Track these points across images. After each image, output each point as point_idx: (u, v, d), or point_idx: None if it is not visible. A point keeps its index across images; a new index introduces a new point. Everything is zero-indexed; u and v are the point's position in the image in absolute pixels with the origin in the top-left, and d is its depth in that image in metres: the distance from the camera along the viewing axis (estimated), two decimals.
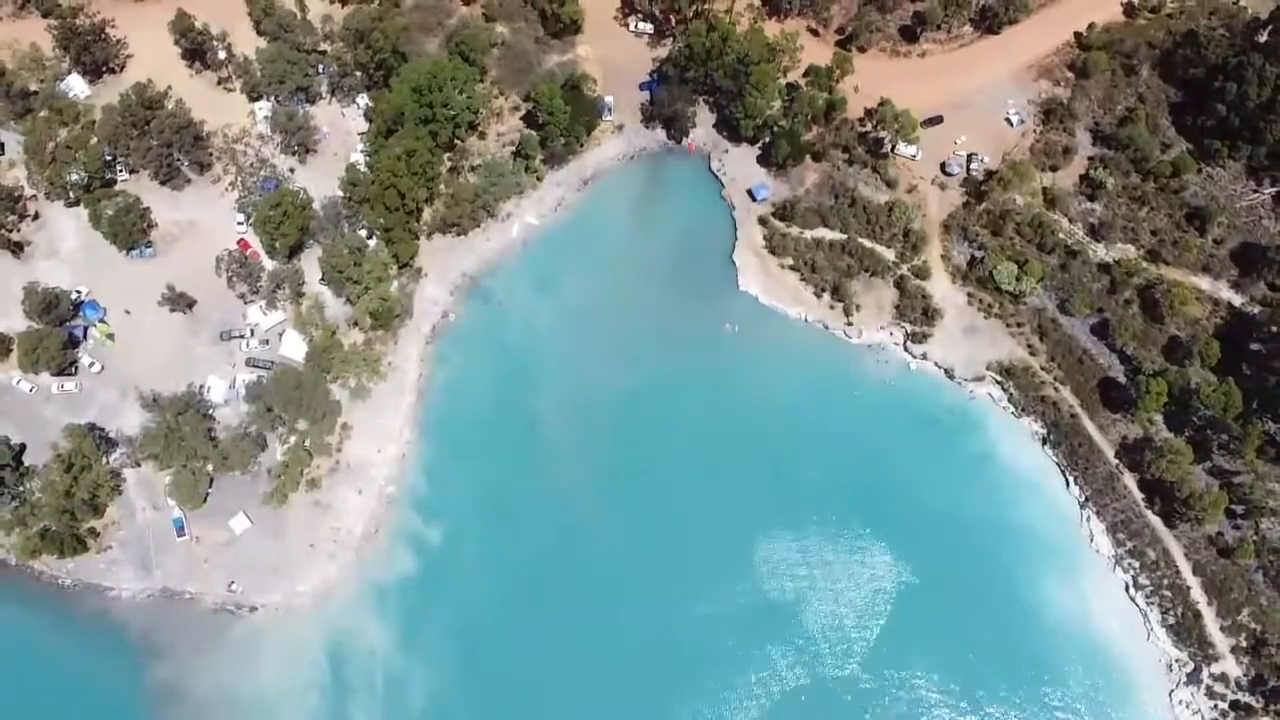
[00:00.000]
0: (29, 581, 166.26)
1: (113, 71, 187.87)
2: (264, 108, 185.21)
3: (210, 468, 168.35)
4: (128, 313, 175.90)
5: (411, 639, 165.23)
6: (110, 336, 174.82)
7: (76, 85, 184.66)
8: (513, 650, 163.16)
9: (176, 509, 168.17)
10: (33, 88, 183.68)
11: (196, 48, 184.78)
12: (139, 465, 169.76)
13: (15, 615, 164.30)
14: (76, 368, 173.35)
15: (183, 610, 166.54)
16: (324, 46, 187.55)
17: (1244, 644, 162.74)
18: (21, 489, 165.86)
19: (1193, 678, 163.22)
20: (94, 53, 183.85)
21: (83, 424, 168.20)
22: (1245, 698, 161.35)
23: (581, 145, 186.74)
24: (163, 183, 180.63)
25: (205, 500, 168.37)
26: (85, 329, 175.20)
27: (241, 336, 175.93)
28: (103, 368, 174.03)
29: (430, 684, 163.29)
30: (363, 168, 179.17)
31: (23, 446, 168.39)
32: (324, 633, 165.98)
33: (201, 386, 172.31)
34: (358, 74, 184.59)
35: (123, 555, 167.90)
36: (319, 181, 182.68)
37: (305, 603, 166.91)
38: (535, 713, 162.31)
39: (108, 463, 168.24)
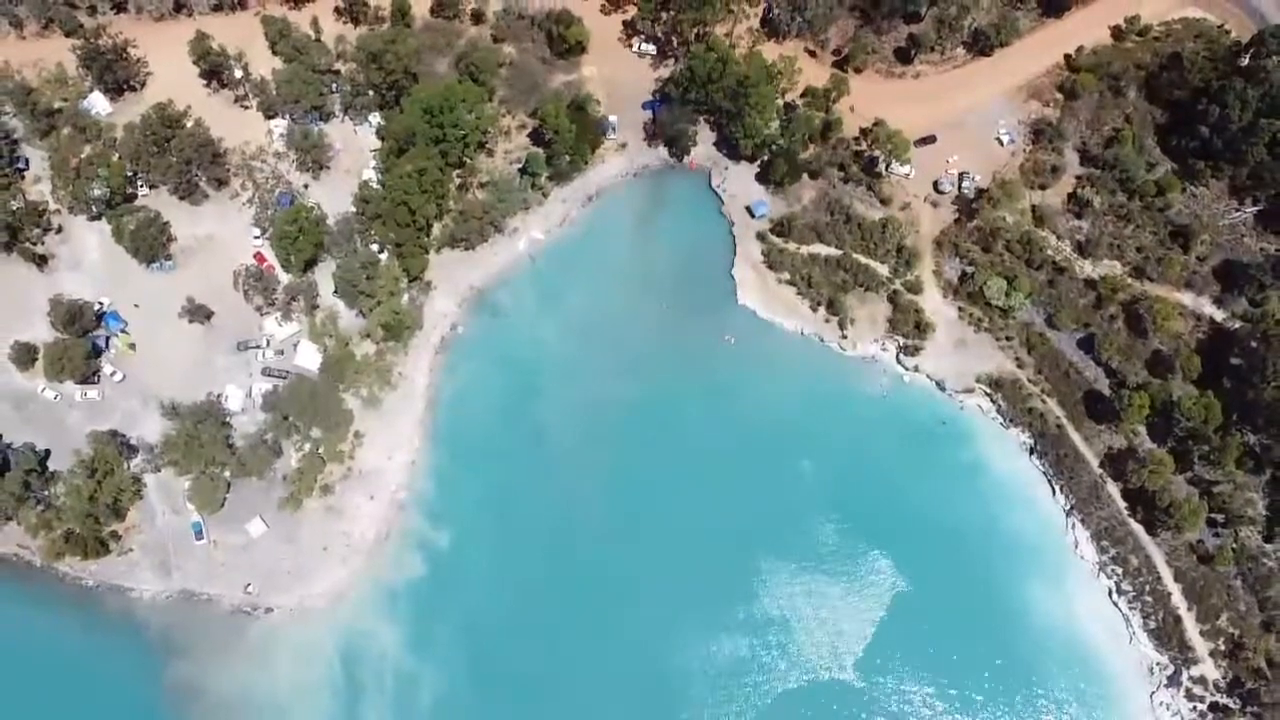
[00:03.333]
0: (54, 582, 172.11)
1: (133, 89, 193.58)
2: (279, 126, 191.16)
3: (228, 474, 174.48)
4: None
5: (421, 640, 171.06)
6: (132, 346, 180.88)
7: (98, 103, 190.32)
8: (519, 652, 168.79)
9: (195, 513, 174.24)
10: (57, 106, 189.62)
11: (214, 68, 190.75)
12: (159, 471, 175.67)
13: (41, 614, 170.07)
14: (99, 377, 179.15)
15: (201, 611, 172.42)
16: (338, 66, 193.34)
17: (1222, 648, 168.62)
18: (46, 493, 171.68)
19: (1173, 680, 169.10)
20: (115, 72, 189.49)
21: (105, 431, 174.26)
22: (1223, 699, 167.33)
23: (586, 163, 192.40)
24: (182, 198, 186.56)
25: (223, 505, 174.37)
26: (107, 339, 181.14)
27: (258, 347, 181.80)
28: (124, 377, 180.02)
29: (439, 684, 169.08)
30: (375, 185, 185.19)
31: (47, 452, 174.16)
32: (337, 633, 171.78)
33: (219, 395, 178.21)
34: (370, 93, 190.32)
35: (143, 558, 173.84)
36: (332, 197, 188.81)
37: (319, 604, 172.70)
38: (540, 713, 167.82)
39: (129, 468, 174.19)
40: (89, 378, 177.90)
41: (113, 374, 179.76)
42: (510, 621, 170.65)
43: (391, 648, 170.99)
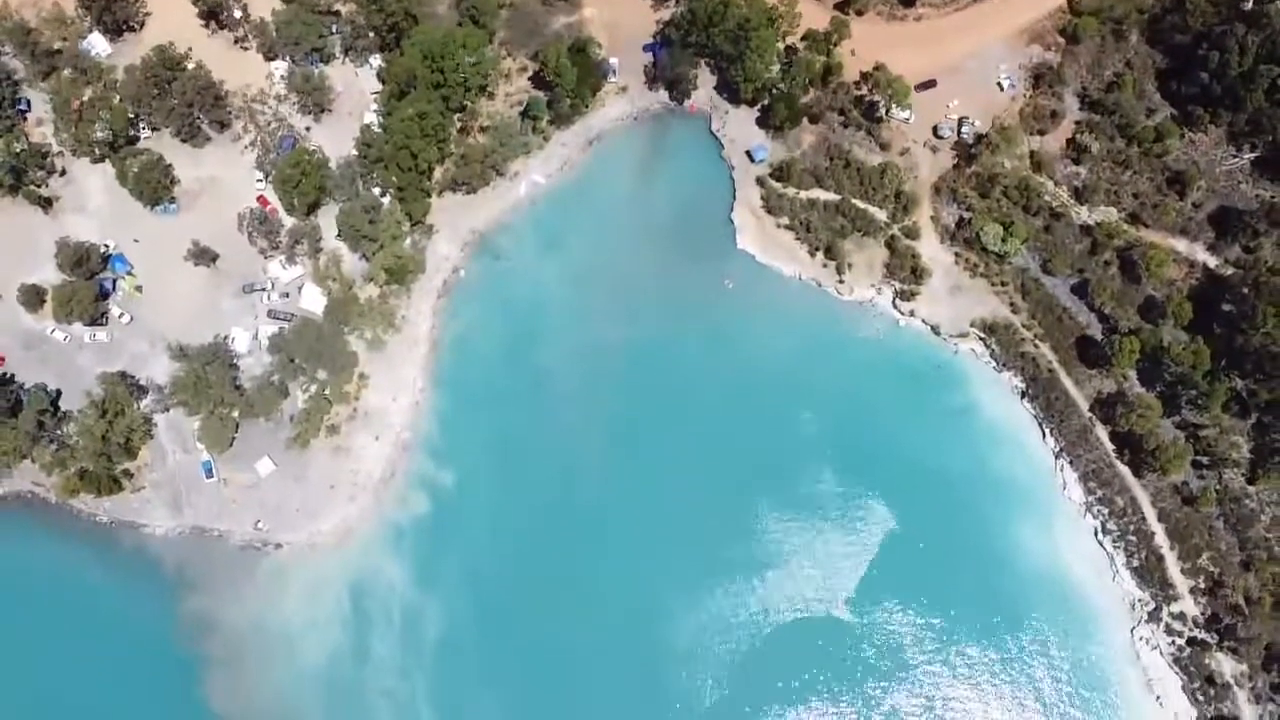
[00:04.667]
0: (69, 518, 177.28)
1: (132, 30, 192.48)
2: (280, 68, 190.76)
3: (236, 414, 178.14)
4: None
5: (426, 575, 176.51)
6: (139, 289, 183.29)
7: (98, 44, 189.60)
8: (521, 588, 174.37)
9: (205, 452, 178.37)
10: (56, 46, 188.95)
11: (213, 8, 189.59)
12: (168, 411, 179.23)
13: (57, 549, 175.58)
14: (107, 318, 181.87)
15: (212, 547, 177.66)
16: (337, 8, 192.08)
17: (1202, 585, 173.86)
18: (60, 432, 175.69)
19: (1154, 616, 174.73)
20: (114, 12, 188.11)
21: (115, 372, 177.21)
22: (1201, 634, 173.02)
23: (587, 106, 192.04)
24: (184, 141, 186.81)
25: (232, 444, 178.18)
26: (114, 281, 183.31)
27: (263, 290, 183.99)
28: (132, 319, 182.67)
29: (443, 617, 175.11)
30: (377, 129, 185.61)
31: (59, 392, 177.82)
32: (344, 569, 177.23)
33: (226, 337, 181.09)
34: (371, 35, 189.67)
35: (155, 495, 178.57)
36: (334, 140, 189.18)
37: (327, 540, 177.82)
38: (539, 643, 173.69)
39: (139, 409, 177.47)
40: (97, 319, 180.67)
41: (120, 316, 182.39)
42: (512, 559, 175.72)
43: (397, 582, 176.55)
